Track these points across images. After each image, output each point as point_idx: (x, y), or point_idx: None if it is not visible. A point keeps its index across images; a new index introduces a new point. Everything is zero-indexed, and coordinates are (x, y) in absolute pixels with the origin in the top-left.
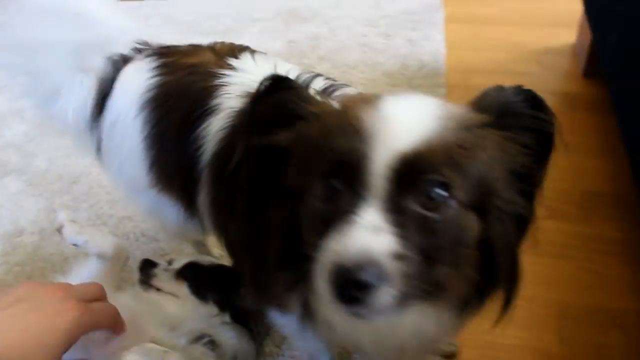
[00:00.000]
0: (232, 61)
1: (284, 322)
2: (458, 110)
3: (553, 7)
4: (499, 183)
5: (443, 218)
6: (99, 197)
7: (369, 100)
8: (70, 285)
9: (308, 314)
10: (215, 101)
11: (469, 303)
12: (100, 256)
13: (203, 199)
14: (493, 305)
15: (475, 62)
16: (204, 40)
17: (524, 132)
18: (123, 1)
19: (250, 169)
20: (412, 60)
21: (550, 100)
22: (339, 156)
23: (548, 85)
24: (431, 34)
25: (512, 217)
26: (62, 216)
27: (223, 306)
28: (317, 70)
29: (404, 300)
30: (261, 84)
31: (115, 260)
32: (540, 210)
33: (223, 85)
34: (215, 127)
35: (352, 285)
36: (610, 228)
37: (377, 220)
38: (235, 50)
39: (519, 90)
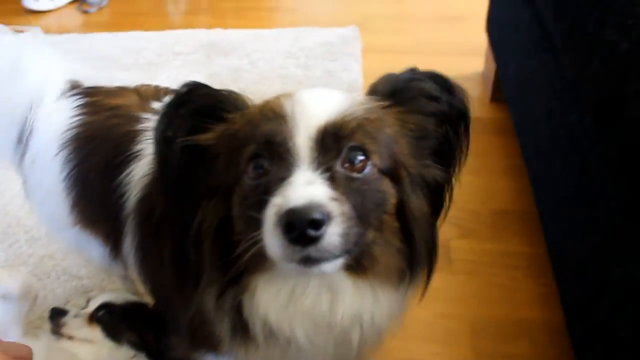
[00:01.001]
0: (156, 105)
1: None
2: (360, 96)
3: (463, 37)
4: (405, 154)
5: (364, 178)
6: (18, 237)
7: (284, 95)
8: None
9: (240, 323)
10: (138, 147)
11: (401, 277)
12: (7, 296)
13: (128, 244)
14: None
15: None
16: (126, 74)
17: (420, 105)
18: (46, 34)
19: (174, 171)
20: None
21: None
22: (265, 138)
23: None
24: (349, 64)
25: (424, 188)
26: None
27: (139, 346)
28: None
29: (345, 251)
30: (180, 88)
31: (23, 300)
32: (453, 230)
33: (145, 130)
34: (138, 174)
35: (306, 225)
36: (517, 243)
37: (310, 177)
38: (160, 93)
39: (412, 71)
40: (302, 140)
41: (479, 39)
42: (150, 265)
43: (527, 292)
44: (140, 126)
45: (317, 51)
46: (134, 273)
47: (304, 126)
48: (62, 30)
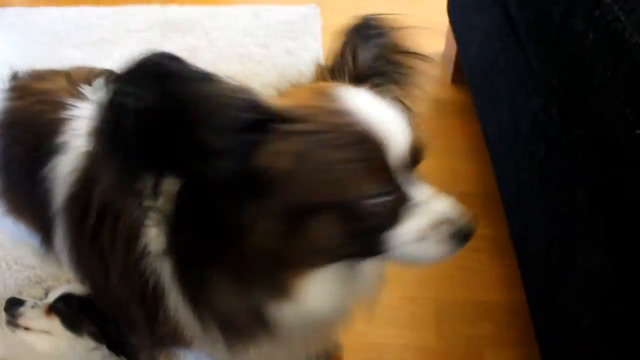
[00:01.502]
0: (86, 89)
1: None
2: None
3: (424, 16)
4: None
5: None
6: None
7: (345, 106)
8: None
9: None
10: (62, 138)
11: None
12: None
13: (60, 242)
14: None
15: None
16: (78, 52)
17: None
18: None
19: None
20: (291, 70)
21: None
22: (375, 170)
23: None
24: (309, 43)
25: None
26: None
27: (99, 338)
28: None
29: None
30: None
31: None
32: None
33: (70, 119)
34: (64, 169)
35: (468, 232)
36: (481, 225)
37: (428, 192)
38: (91, 76)
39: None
40: (400, 163)
41: (440, 18)
42: (88, 269)
43: (490, 274)
44: (65, 114)
45: (276, 29)
46: (69, 270)
47: (397, 151)
48: (4, 3)
